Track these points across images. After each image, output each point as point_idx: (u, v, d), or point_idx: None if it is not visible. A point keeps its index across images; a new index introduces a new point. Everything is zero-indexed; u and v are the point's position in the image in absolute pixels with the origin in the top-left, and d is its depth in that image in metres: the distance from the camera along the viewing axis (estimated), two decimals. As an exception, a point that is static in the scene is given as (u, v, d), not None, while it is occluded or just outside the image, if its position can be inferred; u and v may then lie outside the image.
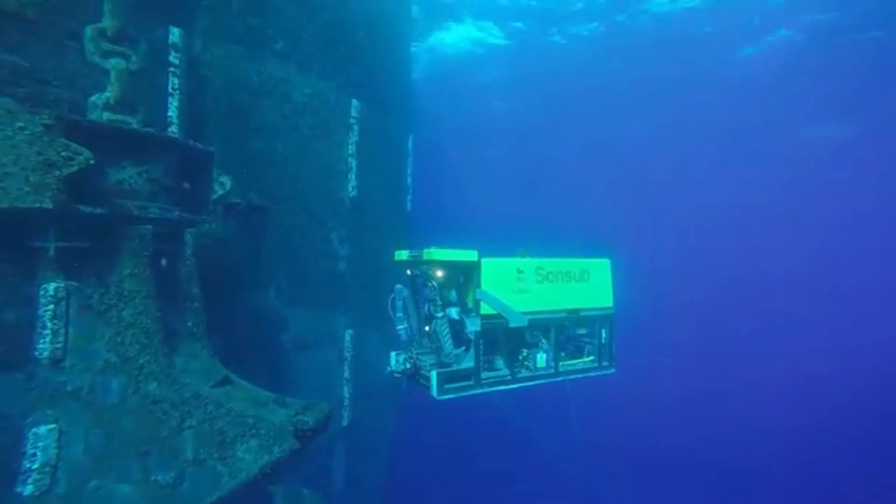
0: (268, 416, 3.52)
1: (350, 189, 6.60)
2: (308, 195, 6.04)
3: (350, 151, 6.61)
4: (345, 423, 6.23)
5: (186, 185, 3.63)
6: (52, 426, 2.83)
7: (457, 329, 3.41)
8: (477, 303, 3.31)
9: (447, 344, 3.35)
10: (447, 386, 3.27)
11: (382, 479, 7.54)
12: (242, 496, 3.32)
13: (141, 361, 3.04)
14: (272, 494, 4.57)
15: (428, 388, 3.29)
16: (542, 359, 3.64)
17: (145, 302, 3.17)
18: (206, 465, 3.11)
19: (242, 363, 4.14)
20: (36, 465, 2.77)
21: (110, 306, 3.02)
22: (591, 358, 3.94)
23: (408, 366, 3.60)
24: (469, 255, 3.30)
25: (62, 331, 2.88)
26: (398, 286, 3.79)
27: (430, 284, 3.46)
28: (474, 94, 16.74)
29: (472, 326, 3.30)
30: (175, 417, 3.07)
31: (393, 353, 3.73)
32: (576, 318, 3.77)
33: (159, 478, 2.95)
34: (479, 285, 3.29)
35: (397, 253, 3.76)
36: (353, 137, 6.59)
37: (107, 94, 3.49)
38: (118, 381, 2.98)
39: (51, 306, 2.85)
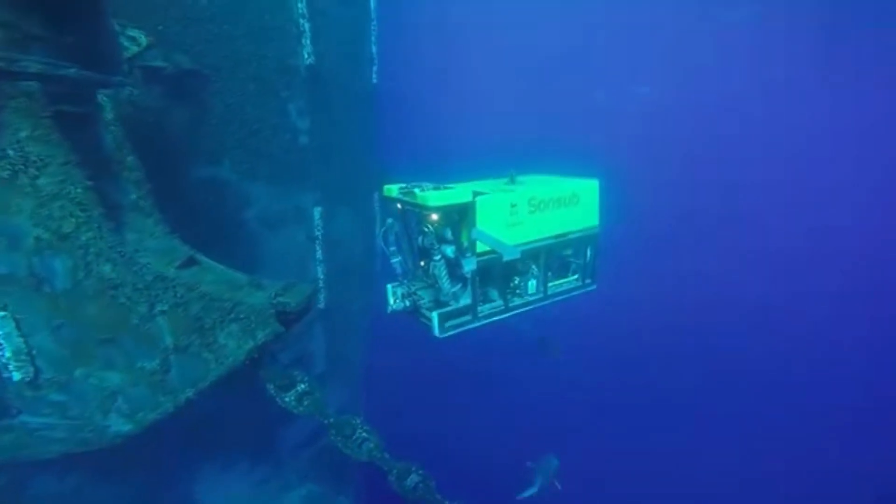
0: (245, 298, 3.15)
1: (305, 56, 5.59)
2: (253, 61, 5.16)
3: (300, 11, 5.49)
4: (322, 305, 6.04)
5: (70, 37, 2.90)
6: (3, 313, 2.56)
7: (453, 267, 3.38)
8: (472, 241, 3.24)
9: (445, 284, 3.34)
10: (447, 324, 3.36)
11: (361, 361, 7.70)
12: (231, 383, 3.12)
13: (83, 239, 2.49)
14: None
15: (429, 326, 3.37)
16: (532, 285, 3.71)
17: (65, 169, 2.51)
18: (189, 351, 2.83)
19: (203, 244, 3.69)
20: (8, 354, 2.60)
21: (16, 171, 2.38)
22: (576, 276, 4.01)
23: (407, 303, 3.57)
24: (464, 196, 3.14)
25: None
26: (389, 220, 3.61)
27: (425, 229, 3.35)
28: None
29: (469, 266, 3.27)
30: (143, 304, 2.67)
31: (389, 287, 3.62)
32: (564, 241, 3.78)
33: (145, 365, 2.71)
34: (474, 224, 3.19)
35: (386, 188, 3.54)
36: (303, -6, 5.44)
37: None
38: (61, 262, 2.48)
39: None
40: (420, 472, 3.58)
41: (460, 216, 3.30)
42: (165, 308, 2.78)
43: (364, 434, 3.64)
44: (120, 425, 3.01)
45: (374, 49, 7.14)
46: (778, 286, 15.12)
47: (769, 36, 14.34)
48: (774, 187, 15.28)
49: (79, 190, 2.51)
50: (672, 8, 14.58)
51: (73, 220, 2.45)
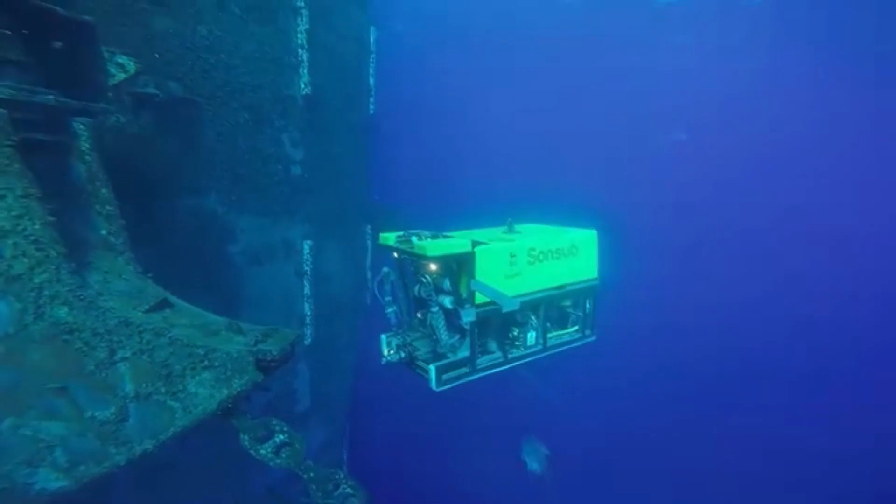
0: (221, 345, 2.89)
1: (302, 86, 5.59)
2: (249, 91, 5.15)
3: (299, 42, 5.53)
4: (308, 341, 5.77)
5: (51, 58, 2.83)
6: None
7: (451, 318, 3.30)
8: (471, 292, 3.16)
9: (443, 335, 3.26)
10: (444, 377, 3.25)
11: (347, 398, 7.37)
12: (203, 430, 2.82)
13: (37, 281, 2.24)
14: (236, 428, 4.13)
15: (425, 378, 3.26)
16: (531, 336, 3.63)
17: (24, 202, 2.28)
18: (152, 399, 2.53)
19: (185, 279, 3.46)
20: None
21: (-36, 208, 2.14)
22: (575, 328, 3.96)
23: (402, 354, 3.44)
24: (463, 246, 3.07)
25: None
26: (385, 269, 3.55)
27: (423, 279, 3.28)
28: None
29: (468, 317, 3.17)
30: (102, 349, 2.40)
31: (384, 338, 3.52)
32: (563, 292, 3.74)
33: (96, 414, 2.40)
34: (473, 274, 3.12)
35: (382, 236, 3.47)
36: (303, 25, 5.51)
37: None
38: (6, 305, 2.20)
39: None
40: None
41: (459, 266, 3.21)
42: (128, 355, 2.51)
43: (349, 490, 3.32)
44: (49, 482, 2.67)
45: (371, 81, 7.15)
46: (790, 343, 14.82)
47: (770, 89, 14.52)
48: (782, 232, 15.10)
49: (37, 226, 2.28)
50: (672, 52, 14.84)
51: (27, 260, 2.21)
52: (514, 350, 3.60)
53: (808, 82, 14.07)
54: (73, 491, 2.56)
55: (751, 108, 14.75)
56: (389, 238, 3.37)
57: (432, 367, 3.15)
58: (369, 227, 7.21)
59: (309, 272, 5.71)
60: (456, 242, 3.04)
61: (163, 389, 2.68)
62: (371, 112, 7.25)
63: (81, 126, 2.93)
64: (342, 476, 3.35)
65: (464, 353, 3.32)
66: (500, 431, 12.58)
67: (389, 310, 3.61)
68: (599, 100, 15.17)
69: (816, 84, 14.04)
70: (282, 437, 3.39)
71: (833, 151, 14.43)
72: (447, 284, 3.26)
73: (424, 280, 3.29)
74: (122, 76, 3.74)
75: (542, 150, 14.90)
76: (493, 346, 3.56)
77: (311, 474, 3.29)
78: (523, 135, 15.20)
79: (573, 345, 3.93)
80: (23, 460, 2.40)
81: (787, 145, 14.63)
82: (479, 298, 3.18)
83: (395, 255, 3.45)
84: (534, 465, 9.70)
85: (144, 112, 4.37)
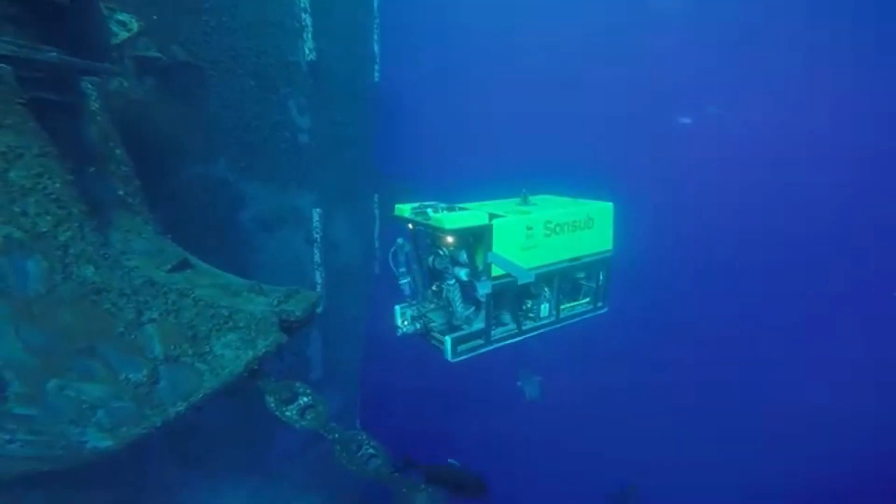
0: (244, 305, 2.89)
1: (307, 52, 5.40)
2: (252, 55, 4.98)
3: (302, 6, 5.32)
4: (319, 310, 5.77)
5: (49, 15, 2.70)
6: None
7: (466, 290, 3.31)
8: (487, 264, 3.16)
9: (459, 308, 3.28)
10: (459, 348, 3.28)
11: (358, 367, 7.45)
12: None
13: (62, 239, 2.21)
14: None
15: (440, 349, 3.29)
16: (545, 308, 3.66)
17: (41, 161, 2.24)
18: (180, 362, 2.54)
19: (196, 246, 3.44)
20: None
21: (-19, 163, 2.09)
22: (588, 300, 3.97)
23: (417, 326, 3.48)
24: (480, 219, 3.04)
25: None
26: (400, 240, 3.53)
27: (440, 252, 3.30)
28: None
29: (484, 289, 3.18)
30: (130, 310, 2.39)
31: (398, 309, 3.54)
32: (577, 264, 3.74)
33: (130, 377, 2.42)
34: (489, 247, 3.11)
35: (397, 207, 3.42)
36: (306, -13, 5.27)
37: None
38: (35, 263, 2.18)
39: None
40: (429, 490, 3.38)
41: (476, 239, 3.20)
42: (155, 316, 2.51)
43: (371, 450, 3.40)
44: (98, 440, 2.74)
45: (376, 48, 6.94)
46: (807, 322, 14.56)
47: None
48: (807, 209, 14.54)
49: (57, 184, 2.24)
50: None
51: (51, 217, 2.18)
52: (528, 322, 3.63)
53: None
54: (117, 450, 2.62)
55: (782, 85, 14.15)
56: (405, 210, 3.33)
57: (448, 339, 3.17)
58: (377, 196, 7.14)
59: (319, 240, 5.68)
60: (473, 215, 3.02)
61: (190, 352, 2.71)
62: (376, 80, 7.07)
63: (90, 86, 2.85)
64: (365, 437, 3.43)
65: (479, 324, 3.35)
66: (509, 396, 12.81)
67: (403, 281, 3.61)
68: (624, 67, 14.49)
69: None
70: (305, 399, 3.45)
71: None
72: (463, 257, 3.26)
73: (441, 252, 3.31)
74: (125, 34, 3.62)
75: (556, 121, 14.37)
76: (506, 317, 3.59)
77: (336, 435, 3.36)
78: (538, 104, 14.53)
79: (585, 316, 3.97)
80: (72, 421, 2.45)
81: (818, 124, 14.09)
82: (495, 271, 3.18)
83: (410, 226, 3.42)
84: (530, 391, 10.38)
85: (147, 77, 4.26)
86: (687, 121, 15.31)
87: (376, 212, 7.17)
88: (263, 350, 2.91)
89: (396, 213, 3.46)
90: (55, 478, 3.21)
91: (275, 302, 2.94)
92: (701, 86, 14.65)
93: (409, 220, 3.32)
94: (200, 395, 2.81)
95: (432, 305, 3.55)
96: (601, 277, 3.90)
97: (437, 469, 3.45)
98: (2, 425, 2.46)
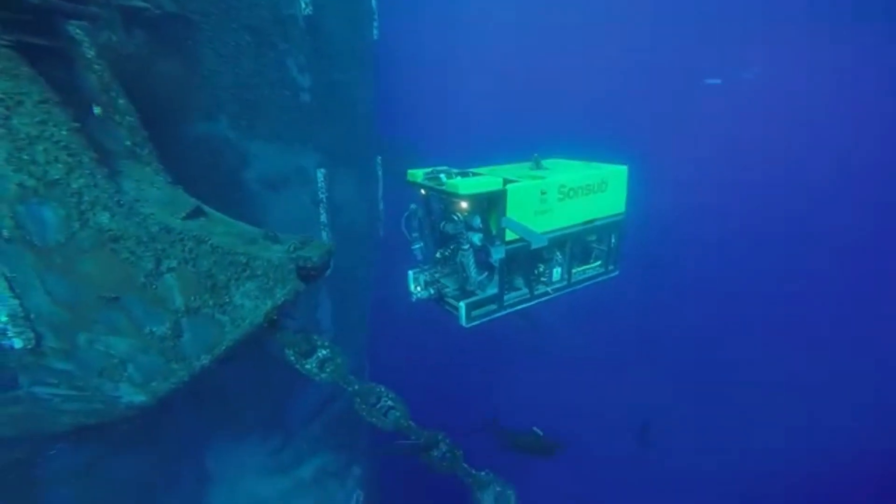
0: (261, 253, 2.87)
1: (303, 5, 5.15)
2: (245, 8, 4.72)
3: None
4: (333, 260, 5.79)
5: None
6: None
7: (480, 255, 3.30)
8: (501, 229, 3.13)
9: (473, 273, 3.27)
10: (474, 313, 3.29)
11: (366, 331, 7.52)
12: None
13: (75, 186, 2.17)
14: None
15: (454, 314, 3.30)
16: (557, 272, 3.64)
17: (43, 108, 2.17)
18: (201, 313, 2.54)
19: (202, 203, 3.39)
20: (4, 318, 2.38)
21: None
22: (599, 263, 3.95)
23: (431, 291, 3.48)
24: (495, 184, 2.99)
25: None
26: (413, 206, 3.52)
27: (454, 217, 3.26)
28: None
29: (498, 254, 3.17)
30: (148, 259, 2.38)
31: (411, 274, 3.51)
32: (590, 227, 3.71)
33: (155, 330, 2.40)
34: (504, 212, 3.07)
35: (410, 173, 3.38)
36: (295, -70, 4.98)
37: None
38: (52, 211, 2.16)
39: None
40: (447, 441, 3.47)
41: (490, 204, 3.18)
42: (174, 264, 2.51)
43: (389, 402, 3.47)
44: (132, 395, 2.79)
45: (373, 2, 6.67)
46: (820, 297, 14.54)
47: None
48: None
49: (63, 132, 2.19)
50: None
51: (61, 165, 2.14)
52: (541, 286, 3.63)
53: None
54: (151, 406, 2.67)
55: (829, 53, 13.34)
56: (417, 175, 3.29)
57: (462, 304, 3.19)
58: (379, 157, 7.03)
59: (324, 200, 5.63)
60: (487, 180, 2.97)
61: (210, 302, 2.71)
62: (375, 38, 6.83)
63: (79, 31, 2.73)
64: (383, 390, 3.49)
65: (492, 289, 3.36)
66: (519, 357, 12.94)
67: (416, 246, 3.61)
68: (641, 26, 13.73)
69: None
70: (324, 351, 3.49)
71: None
72: (477, 222, 3.25)
73: (455, 218, 3.27)
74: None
75: (570, 79, 13.79)
76: (519, 282, 3.59)
77: (356, 387, 3.42)
78: (549, 59, 13.86)
79: (597, 279, 3.97)
80: (105, 375, 2.49)
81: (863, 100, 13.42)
82: (509, 235, 3.17)
83: (423, 192, 3.39)
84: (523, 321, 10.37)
85: (137, 30, 4.08)
86: (716, 81, 14.70)
87: (379, 173, 7.08)
88: (282, 299, 2.92)
89: (409, 178, 3.42)
90: (97, 437, 3.30)
91: (291, 248, 2.92)
92: (738, 45, 13.81)
93: (421, 186, 3.29)
94: (223, 347, 2.85)
95: (447, 270, 3.56)
96: (613, 240, 3.89)
97: (521, 436, 3.56)
98: (44, 379, 2.51)
